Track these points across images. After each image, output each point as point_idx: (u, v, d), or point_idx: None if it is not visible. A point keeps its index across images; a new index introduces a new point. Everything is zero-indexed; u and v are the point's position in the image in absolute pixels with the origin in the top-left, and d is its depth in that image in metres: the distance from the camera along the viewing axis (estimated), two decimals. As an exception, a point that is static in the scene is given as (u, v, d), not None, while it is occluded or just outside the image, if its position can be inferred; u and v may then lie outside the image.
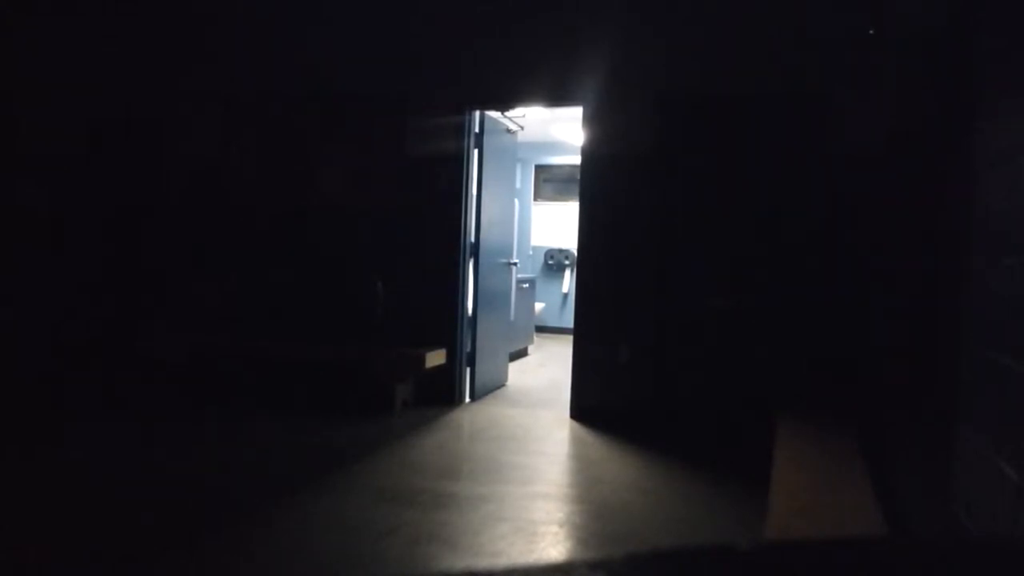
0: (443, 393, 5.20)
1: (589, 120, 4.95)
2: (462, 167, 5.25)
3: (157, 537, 2.82)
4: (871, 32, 4.26)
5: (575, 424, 4.86)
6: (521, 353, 7.40)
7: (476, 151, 5.42)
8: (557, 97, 5.11)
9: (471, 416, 4.99)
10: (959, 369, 2.15)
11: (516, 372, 6.42)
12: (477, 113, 5.42)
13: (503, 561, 2.73)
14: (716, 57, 4.60)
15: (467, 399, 5.34)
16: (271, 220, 5.55)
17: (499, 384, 5.88)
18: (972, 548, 0.68)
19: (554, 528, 3.04)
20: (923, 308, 2.79)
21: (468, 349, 5.36)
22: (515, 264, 6.45)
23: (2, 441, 4.02)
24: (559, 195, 9.52)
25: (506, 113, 5.84)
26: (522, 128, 6.43)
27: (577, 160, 5.32)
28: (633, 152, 4.80)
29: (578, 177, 5.21)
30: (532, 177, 9.53)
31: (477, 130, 5.44)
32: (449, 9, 5.20)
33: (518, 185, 8.38)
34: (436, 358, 5.01)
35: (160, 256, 5.89)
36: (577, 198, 5.21)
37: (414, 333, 5.11)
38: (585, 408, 4.94)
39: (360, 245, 5.31)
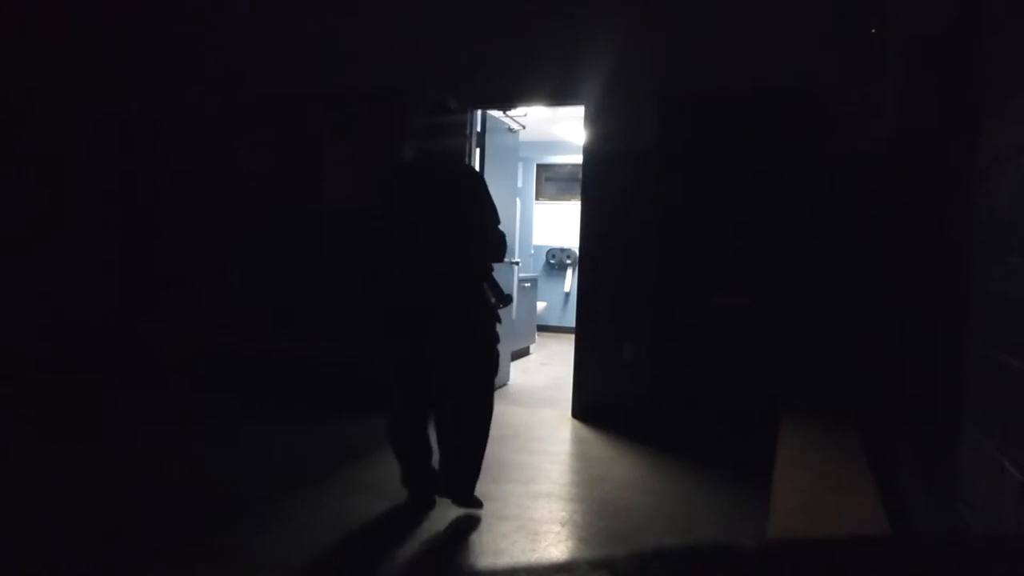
0: (445, 392, 5.20)
1: (591, 119, 4.94)
2: (464, 166, 5.25)
3: (158, 536, 2.82)
4: (873, 31, 4.25)
5: (577, 423, 4.86)
6: (523, 352, 7.40)
7: (478, 150, 5.42)
8: (559, 96, 5.10)
9: (473, 415, 4.98)
10: (964, 368, 2.15)
11: (518, 371, 6.42)
12: (479, 112, 5.42)
13: (505, 560, 2.73)
14: (718, 56, 4.59)
15: (469, 398, 5.35)
16: (273, 218, 5.55)
17: (501, 383, 5.88)
18: (976, 547, 0.67)
19: (556, 527, 3.04)
20: (927, 306, 2.79)
21: (470, 348, 5.36)
22: (517, 263, 6.45)
23: (3, 439, 4.03)
24: (561, 194, 9.50)
25: (508, 112, 5.84)
26: (524, 127, 6.43)
27: (579, 159, 5.31)
28: (635, 151, 4.80)
29: (580, 176, 5.20)
30: (534, 176, 9.51)
31: (479, 129, 5.44)
32: (451, 8, 5.20)
33: (520, 184, 8.37)
34: (438, 357, 5.01)
35: (164, 255, 5.90)
36: (579, 197, 5.21)
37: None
38: (587, 407, 4.94)
39: (361, 244, 5.31)
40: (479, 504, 3.18)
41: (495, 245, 3.15)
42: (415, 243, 3.02)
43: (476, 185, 3.17)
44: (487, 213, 3.11)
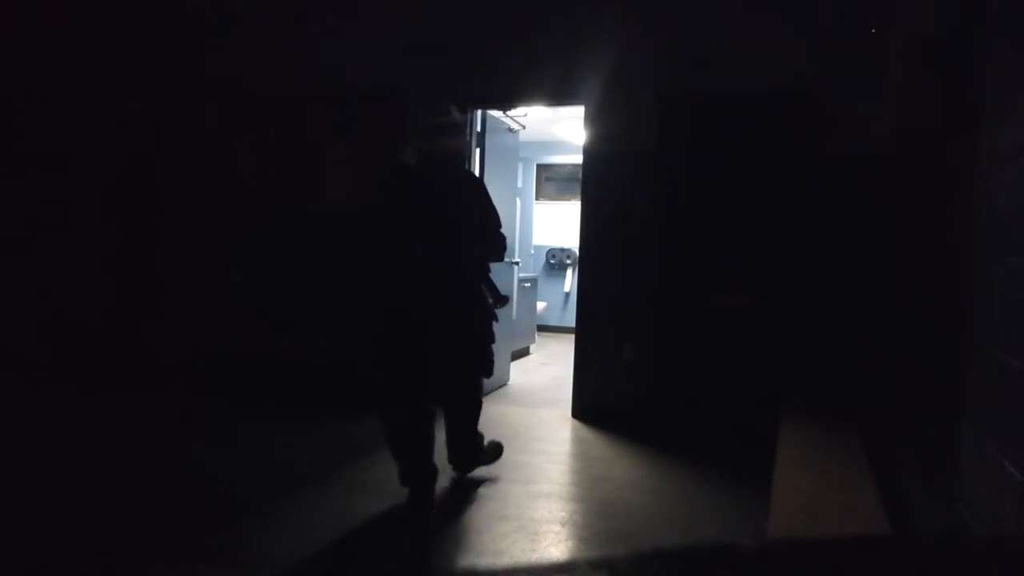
0: (445, 392, 5.20)
1: (591, 119, 4.94)
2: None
3: (159, 535, 2.82)
4: (873, 31, 4.25)
5: (577, 423, 4.86)
6: (523, 352, 7.40)
7: (478, 150, 5.42)
8: (559, 96, 5.10)
9: (473, 415, 4.97)
10: (964, 368, 2.15)
11: (518, 371, 6.42)
12: (479, 112, 5.42)
13: (505, 560, 2.73)
14: (718, 55, 4.59)
15: (469, 398, 5.34)
16: (273, 218, 5.55)
17: (501, 383, 5.88)
18: (976, 547, 0.67)
19: (556, 527, 3.04)
20: (927, 306, 2.79)
21: (470, 348, 5.36)
22: (517, 263, 6.45)
23: (3, 439, 4.03)
24: (561, 194, 9.50)
25: (508, 112, 5.84)
26: (524, 127, 6.42)
27: (579, 159, 5.31)
28: (635, 151, 4.80)
29: (580, 176, 5.21)
30: (534, 176, 9.51)
31: (479, 129, 5.44)
32: (450, 8, 5.20)
33: (520, 184, 8.37)
34: (438, 357, 5.01)
35: (163, 255, 5.90)
36: (579, 197, 5.21)
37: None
38: (587, 407, 4.94)
39: (362, 244, 5.31)
40: (488, 459, 3.57)
41: (495, 246, 3.30)
42: (415, 244, 3.11)
43: (476, 189, 3.32)
44: (488, 215, 3.23)
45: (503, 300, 3.43)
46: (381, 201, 3.25)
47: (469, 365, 3.28)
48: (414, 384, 3.20)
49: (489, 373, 3.39)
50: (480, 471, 3.62)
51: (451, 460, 3.48)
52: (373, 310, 3.37)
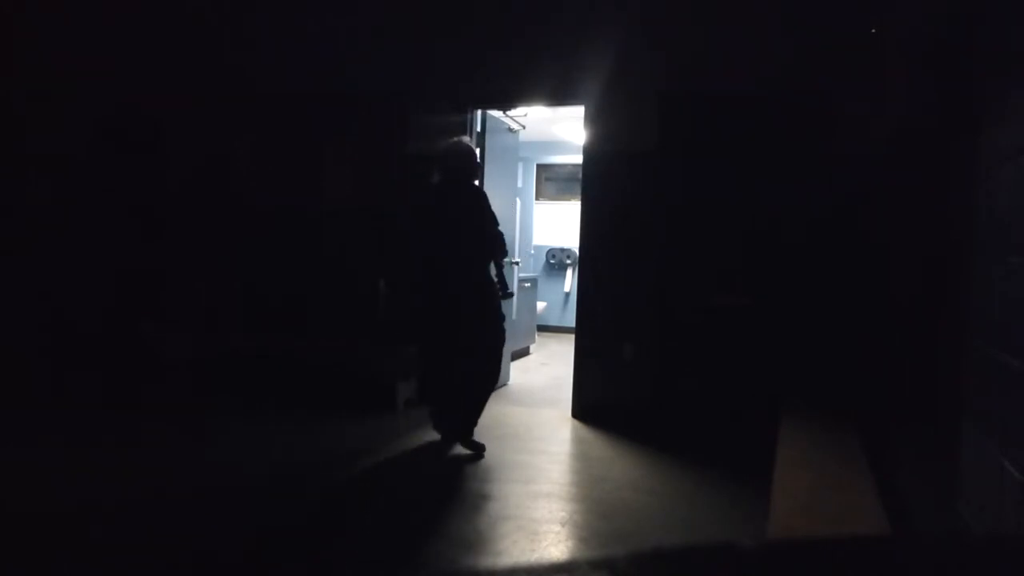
0: (445, 392, 5.19)
1: (591, 119, 4.94)
2: (464, 166, 5.24)
3: (158, 536, 2.82)
4: (873, 31, 4.25)
5: (577, 423, 4.86)
6: (523, 352, 7.40)
7: (478, 150, 5.42)
8: (559, 96, 5.10)
9: (473, 415, 4.97)
10: (964, 368, 2.15)
11: (518, 371, 6.42)
12: (479, 112, 5.42)
13: (505, 560, 2.73)
14: (718, 55, 4.59)
15: (469, 398, 5.35)
16: (274, 218, 5.55)
17: (501, 383, 5.87)
18: (976, 548, 0.67)
19: (556, 527, 3.04)
20: (928, 306, 2.79)
21: (470, 348, 5.36)
22: (517, 263, 6.44)
23: (3, 438, 4.03)
24: (561, 194, 9.50)
25: (508, 112, 5.84)
26: (524, 127, 6.42)
27: (579, 159, 5.31)
28: (635, 151, 4.80)
29: (580, 176, 5.21)
30: (534, 176, 9.51)
31: (479, 129, 5.44)
32: (451, 8, 5.20)
33: (520, 184, 8.37)
34: (438, 357, 5.02)
35: (163, 254, 5.90)
36: (579, 197, 5.21)
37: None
38: (587, 407, 4.94)
39: (362, 244, 5.31)
40: (479, 448, 3.98)
41: (500, 247, 4.15)
42: (444, 246, 3.92)
43: (484, 201, 4.08)
44: (488, 219, 4.04)
45: (508, 294, 4.25)
46: (416, 214, 4.12)
47: (487, 328, 4.01)
48: (447, 346, 3.99)
49: (501, 341, 4.16)
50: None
51: (454, 431, 4.06)
52: (420, 297, 4.12)
